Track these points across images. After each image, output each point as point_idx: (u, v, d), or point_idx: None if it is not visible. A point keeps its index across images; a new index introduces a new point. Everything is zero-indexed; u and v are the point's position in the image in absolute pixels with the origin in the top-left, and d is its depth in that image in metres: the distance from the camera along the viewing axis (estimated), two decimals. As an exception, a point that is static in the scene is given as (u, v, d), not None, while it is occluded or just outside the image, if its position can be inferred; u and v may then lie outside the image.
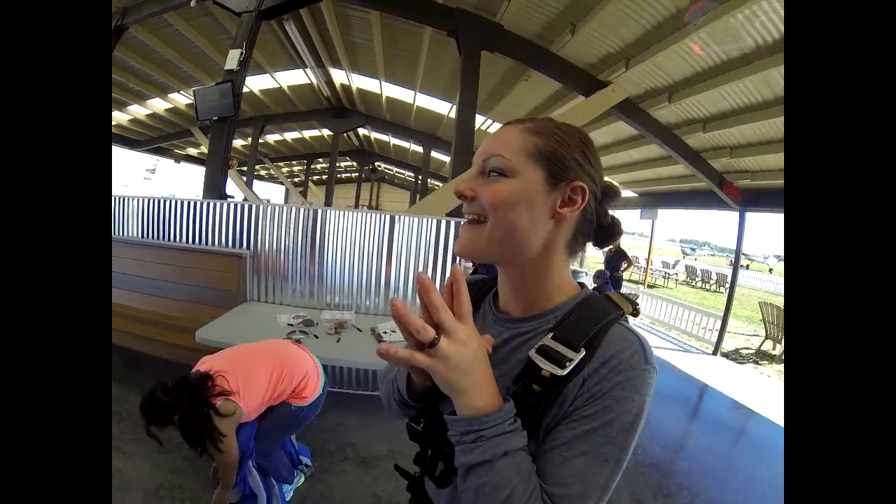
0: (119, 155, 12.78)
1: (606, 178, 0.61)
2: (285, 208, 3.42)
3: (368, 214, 3.31)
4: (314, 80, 7.81)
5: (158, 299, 3.53)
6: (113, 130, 10.15)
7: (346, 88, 8.35)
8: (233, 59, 4.02)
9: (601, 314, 0.53)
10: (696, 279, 15.85)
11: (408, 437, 0.64)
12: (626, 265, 7.18)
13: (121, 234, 3.94)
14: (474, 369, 0.47)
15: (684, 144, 4.82)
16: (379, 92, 7.83)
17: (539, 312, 0.58)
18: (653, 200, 8.16)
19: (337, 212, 3.35)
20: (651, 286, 13.02)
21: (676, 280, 16.08)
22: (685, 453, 3.09)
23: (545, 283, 0.58)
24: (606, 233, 0.62)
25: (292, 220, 3.38)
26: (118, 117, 9.36)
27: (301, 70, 7.43)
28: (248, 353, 1.90)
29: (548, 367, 0.49)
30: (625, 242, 7.61)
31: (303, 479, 2.22)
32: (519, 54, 4.26)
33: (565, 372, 0.48)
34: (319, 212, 3.35)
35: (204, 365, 1.76)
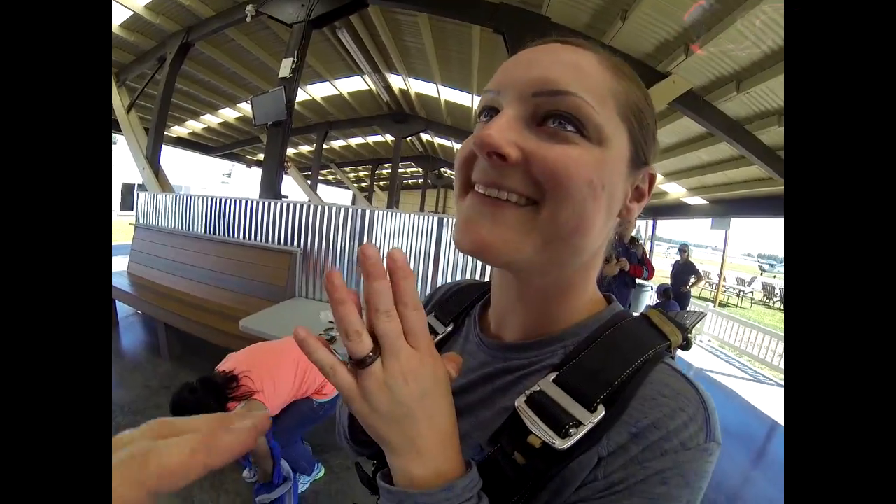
0: (197, 160, 14.28)
1: None
2: (335, 208, 3.51)
3: (416, 216, 3.30)
4: (373, 86, 8.05)
5: (216, 289, 3.80)
6: (189, 138, 11.36)
7: (405, 93, 8.49)
8: (285, 68, 4.26)
9: (636, 347, 0.34)
10: (775, 299, 14.09)
11: None
12: (694, 280, 6.59)
13: (187, 228, 4.31)
14: (417, 417, 0.30)
15: (758, 141, 4.30)
16: (437, 96, 7.87)
17: (542, 338, 0.39)
18: (725, 208, 7.47)
19: (385, 212, 3.39)
20: (723, 304, 11.84)
21: (752, 299, 14.52)
22: (743, 504, 2.63)
23: (573, 297, 0.40)
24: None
25: (342, 221, 3.46)
26: (193, 125, 10.38)
27: (359, 76, 7.70)
28: (273, 351, 1.94)
29: (539, 432, 0.31)
30: (695, 256, 7.01)
31: (323, 471, 2.22)
32: (569, 49, 4.04)
33: (567, 444, 0.30)
34: (368, 212, 3.41)
35: (228, 363, 1.81)
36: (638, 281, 4.38)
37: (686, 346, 0.37)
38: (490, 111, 0.36)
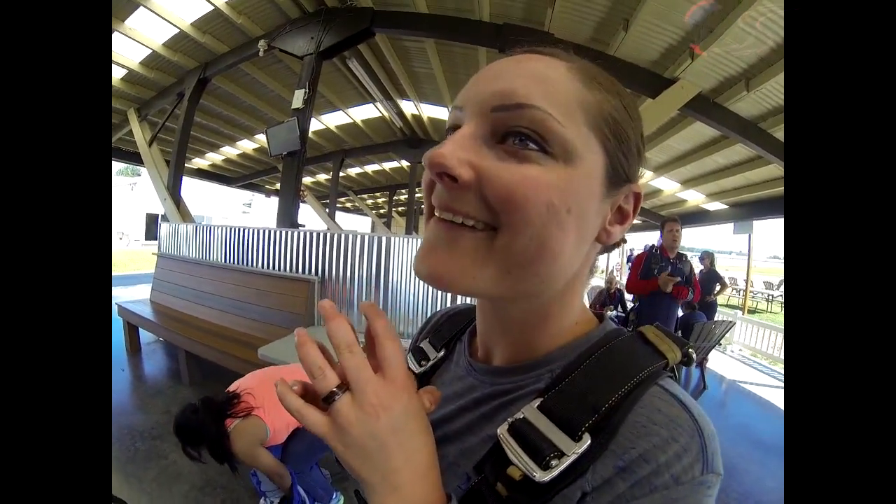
0: (218, 191, 14.82)
1: None
2: (352, 236, 3.57)
3: None
4: (385, 113, 8.21)
5: (235, 317, 3.86)
6: (210, 169, 11.80)
7: (418, 118, 8.65)
8: (298, 99, 4.41)
9: (626, 369, 0.32)
10: (805, 301, 13.57)
11: None
12: (719, 288, 6.38)
13: (208, 258, 4.43)
14: (390, 452, 0.29)
15: (774, 140, 4.20)
16: (450, 119, 8.01)
17: (528, 361, 0.37)
18: (746, 211, 7.27)
19: (402, 239, 3.43)
20: (752, 311, 11.42)
21: (782, 303, 13.99)
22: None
23: (555, 323, 0.37)
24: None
25: (359, 248, 3.51)
26: (213, 157, 10.78)
27: (372, 104, 7.88)
28: (280, 373, 1.95)
29: (520, 463, 0.29)
30: (719, 263, 6.82)
31: (342, 500, 2.18)
32: (575, 62, 4.07)
33: (548, 477, 0.28)
34: (385, 239, 3.45)
35: (233, 386, 1.83)
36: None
37: (687, 361, 0.34)
38: (454, 130, 0.33)
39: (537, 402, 0.32)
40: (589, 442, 0.28)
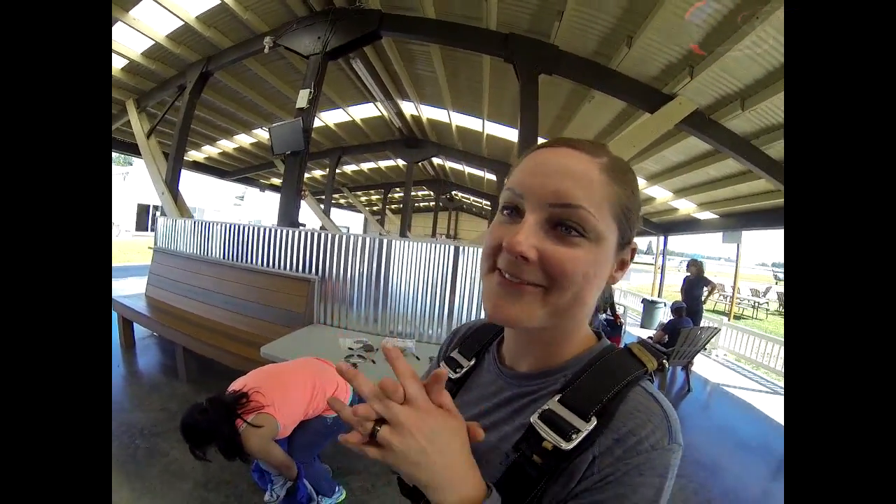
0: (212, 183, 14.61)
1: None
2: (353, 237, 3.60)
3: (433, 245, 3.40)
4: (385, 113, 8.23)
5: (233, 314, 3.86)
6: (205, 162, 11.68)
7: (417, 119, 8.68)
8: (302, 98, 4.41)
9: (619, 373, 0.46)
10: (790, 308, 13.88)
11: None
12: (708, 290, 6.51)
13: (206, 254, 4.41)
14: (434, 460, 0.38)
15: (765, 156, 4.32)
16: (448, 122, 8.03)
17: (547, 369, 0.51)
18: (735, 221, 7.42)
19: (403, 241, 3.47)
20: (737, 317, 11.64)
21: (767, 310, 14.29)
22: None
23: (567, 340, 0.51)
24: None
25: (359, 249, 3.55)
26: (209, 150, 10.69)
27: (372, 104, 7.89)
28: (283, 370, 1.98)
29: (551, 438, 0.42)
30: (709, 269, 6.97)
31: (344, 495, 2.24)
32: (577, 74, 4.16)
33: (571, 446, 0.41)
34: (385, 241, 3.50)
35: (237, 384, 1.83)
36: (651, 298, 4.17)
37: (661, 368, 0.48)
38: (511, 208, 0.47)
39: (557, 397, 0.46)
40: (595, 422, 0.42)
